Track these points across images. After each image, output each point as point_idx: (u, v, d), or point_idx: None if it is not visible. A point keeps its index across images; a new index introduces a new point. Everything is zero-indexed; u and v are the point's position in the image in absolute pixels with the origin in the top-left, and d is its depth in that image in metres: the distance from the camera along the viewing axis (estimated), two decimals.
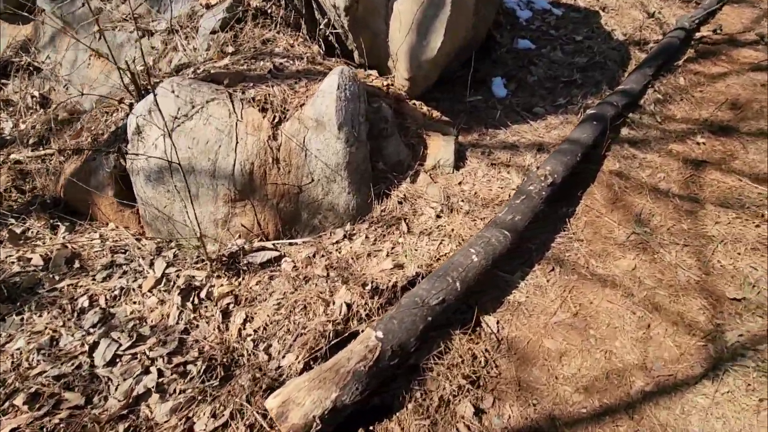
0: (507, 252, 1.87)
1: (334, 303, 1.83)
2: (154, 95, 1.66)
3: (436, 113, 2.90)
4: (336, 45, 2.75)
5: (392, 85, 2.82)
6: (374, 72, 2.79)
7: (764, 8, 4.57)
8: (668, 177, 2.58)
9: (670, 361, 1.72)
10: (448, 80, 3.14)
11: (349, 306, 1.81)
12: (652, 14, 3.98)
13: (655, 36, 3.76)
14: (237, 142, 1.95)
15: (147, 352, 1.61)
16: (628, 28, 3.75)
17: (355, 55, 2.74)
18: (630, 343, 1.77)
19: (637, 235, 2.25)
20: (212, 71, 2.17)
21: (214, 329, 1.72)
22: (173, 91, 1.88)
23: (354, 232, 2.22)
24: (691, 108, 3.10)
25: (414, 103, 2.82)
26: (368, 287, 1.90)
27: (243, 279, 1.95)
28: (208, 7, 2.54)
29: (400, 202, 2.31)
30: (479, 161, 2.62)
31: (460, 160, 2.61)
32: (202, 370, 1.55)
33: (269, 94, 2.06)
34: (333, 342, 1.62)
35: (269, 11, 2.54)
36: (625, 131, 2.87)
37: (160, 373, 1.55)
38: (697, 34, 3.85)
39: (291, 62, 2.31)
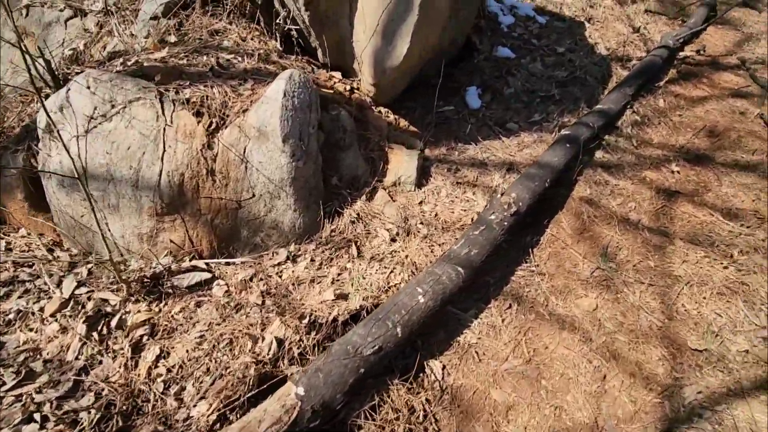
0: (459, 291, 1.70)
1: (264, 339, 1.63)
2: (67, 90, 1.42)
3: (403, 123, 2.70)
4: (299, 41, 2.51)
5: (357, 89, 2.60)
6: (338, 74, 2.56)
7: (747, 32, 4.50)
8: (639, 207, 2.46)
9: (624, 419, 1.59)
10: (420, 86, 2.93)
11: (280, 343, 1.63)
12: (638, 29, 3.85)
13: (639, 52, 3.64)
14: (164, 150, 1.72)
15: (34, 395, 1.39)
16: (612, 43, 3.61)
17: (319, 53, 2.51)
18: (583, 398, 1.64)
19: (602, 271, 2.12)
20: (146, 64, 1.91)
21: (119, 367, 1.50)
22: (89, 87, 1.63)
23: (299, 253, 2.02)
24: (668, 133, 2.98)
25: (380, 111, 2.62)
26: (305, 320, 1.71)
27: (165, 305, 1.73)
28: None
29: (353, 222, 2.12)
30: (444, 179, 2.45)
31: (423, 177, 2.43)
32: (95, 420, 1.34)
33: (207, 96, 1.82)
34: (253, 392, 1.43)
35: None
36: (599, 154, 2.73)
37: (44, 422, 1.33)
38: (681, 54, 3.74)
39: (240, 59, 2.07)
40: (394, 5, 2.01)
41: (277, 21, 2.28)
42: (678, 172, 2.70)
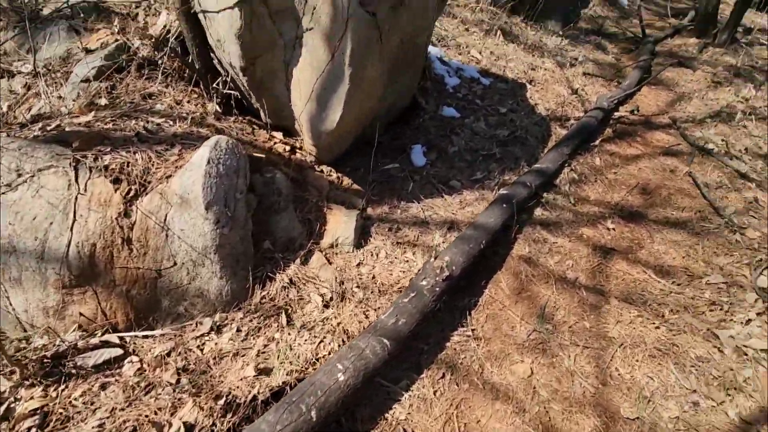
0: (384, 365, 1.64)
1: (171, 425, 1.50)
2: None
3: (347, 181, 2.71)
4: (241, 101, 2.53)
5: (301, 148, 2.62)
6: (280, 134, 2.58)
7: (679, 91, 4.89)
8: (576, 265, 2.51)
9: None
10: (367, 144, 2.98)
11: (190, 429, 1.50)
12: (576, 91, 4.11)
13: (577, 113, 3.86)
14: (74, 220, 1.64)
15: None
16: (552, 103, 3.83)
17: (261, 113, 2.53)
18: None
19: (538, 333, 2.10)
20: (68, 128, 1.86)
21: None
22: None
23: (225, 322, 1.92)
24: (604, 190, 3.11)
25: (322, 170, 2.63)
26: (222, 401, 1.59)
27: (64, 388, 1.58)
28: (87, 51, 2.25)
29: (285, 287, 2.05)
30: (385, 239, 2.43)
31: (363, 237, 2.41)
32: None
33: (128, 162, 1.77)
34: None
35: (160, 62, 2.30)
36: (539, 212, 2.81)
37: None
38: (616, 114, 4.00)
39: (171, 123, 2.05)
40: (327, 75, 2.07)
41: (214, 85, 2.30)
42: (613, 229, 2.79)
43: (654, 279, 2.45)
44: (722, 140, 3.86)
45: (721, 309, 2.27)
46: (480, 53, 4.13)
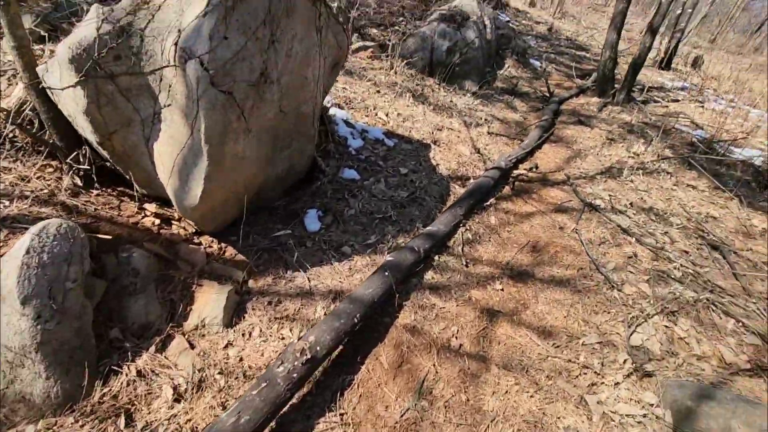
0: None
1: None
2: None
3: (230, 251, 2.60)
4: (113, 172, 2.40)
5: (180, 219, 2.50)
6: (153, 206, 2.46)
7: (577, 149, 5.30)
8: (462, 331, 2.50)
9: None
10: (260, 210, 2.92)
11: None
12: (478, 150, 4.33)
13: (477, 171, 4.04)
14: None
15: None
16: (453, 163, 3.99)
17: (134, 185, 2.40)
18: None
19: (413, 412, 2.03)
20: None
21: None
22: None
23: (52, 428, 1.69)
24: (496, 250, 3.21)
25: (200, 242, 2.51)
26: None
27: None
28: None
29: (131, 382, 1.86)
30: (262, 314, 2.32)
31: (238, 314, 2.28)
32: None
33: None
34: None
35: (11, 135, 2.15)
36: (429, 275, 2.82)
37: None
38: (516, 172, 4.23)
39: (6, 204, 1.88)
40: (187, 151, 2.01)
41: (69, 160, 2.17)
42: (502, 289, 2.84)
43: (534, 342, 2.49)
44: (609, 195, 4.17)
45: (593, 372, 2.32)
46: (387, 115, 4.28)
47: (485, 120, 5.19)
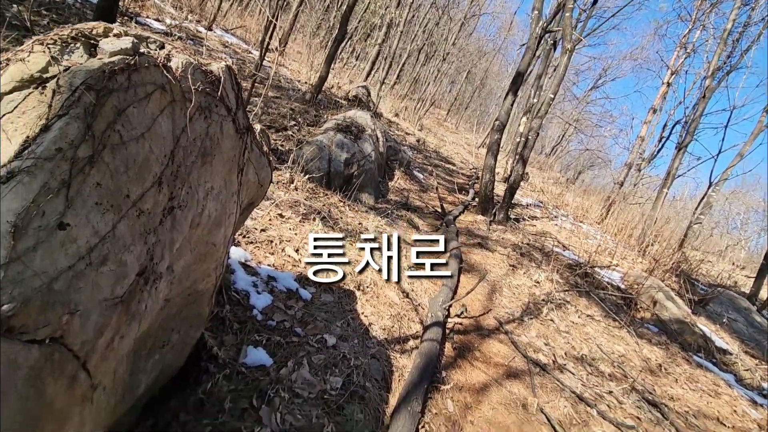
0: None
1: None
2: None
3: None
4: None
5: None
6: None
7: (490, 280, 5.05)
8: None
9: None
10: None
11: None
12: (407, 294, 3.63)
13: (414, 325, 3.29)
14: None
15: None
16: (386, 319, 3.17)
17: None
18: None
19: None
20: None
21: None
22: None
23: None
24: None
25: None
26: None
27: None
28: None
29: None
30: None
31: None
32: None
33: None
34: None
35: None
36: None
37: None
38: (449, 321, 3.61)
39: None
40: None
41: None
42: None
43: None
44: (544, 343, 3.83)
45: None
46: (297, 251, 3.33)
47: None
